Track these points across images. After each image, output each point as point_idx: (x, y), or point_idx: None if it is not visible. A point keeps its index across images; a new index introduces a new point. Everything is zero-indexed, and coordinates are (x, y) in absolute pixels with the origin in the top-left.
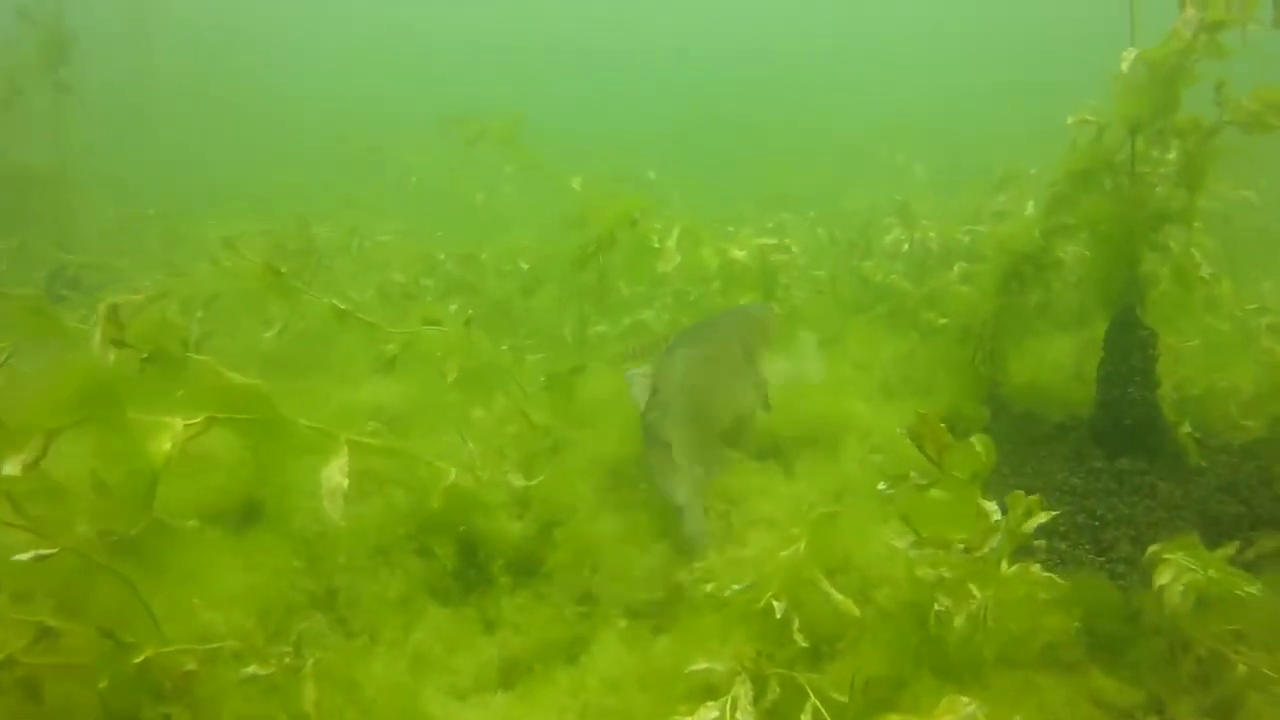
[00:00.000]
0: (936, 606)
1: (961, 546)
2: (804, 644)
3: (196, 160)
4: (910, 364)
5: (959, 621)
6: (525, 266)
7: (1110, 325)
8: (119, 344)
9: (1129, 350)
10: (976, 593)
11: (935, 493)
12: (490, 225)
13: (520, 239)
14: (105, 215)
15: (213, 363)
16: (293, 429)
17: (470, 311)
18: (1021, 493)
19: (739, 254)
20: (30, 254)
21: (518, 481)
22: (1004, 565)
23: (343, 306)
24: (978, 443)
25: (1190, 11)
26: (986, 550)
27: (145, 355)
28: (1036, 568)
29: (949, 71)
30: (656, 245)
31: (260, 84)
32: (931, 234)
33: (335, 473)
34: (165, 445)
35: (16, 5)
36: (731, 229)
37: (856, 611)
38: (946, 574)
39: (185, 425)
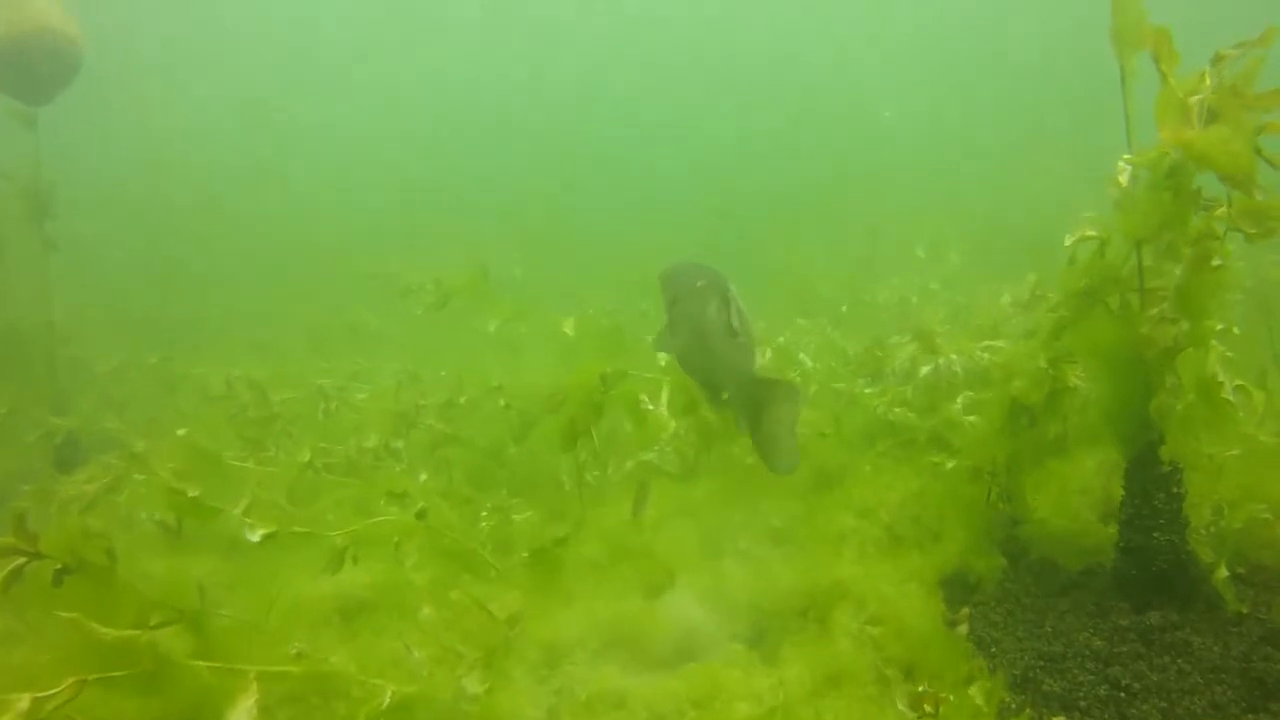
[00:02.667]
0: None
1: None
2: None
3: (198, 294)
4: (920, 504)
5: None
6: (512, 408)
7: (1129, 464)
8: (32, 556)
9: (1151, 490)
10: None
11: None
12: (503, 356)
13: (522, 373)
14: (101, 367)
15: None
16: (190, 674)
17: (434, 484)
18: None
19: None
20: (22, 418)
21: (470, 688)
22: None
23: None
24: (978, 694)
25: (1195, 98)
26: None
27: (60, 567)
28: None
29: (975, 126)
30: (649, 408)
31: (260, 205)
32: (952, 355)
33: (242, 716)
34: None
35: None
36: None
37: None
38: None
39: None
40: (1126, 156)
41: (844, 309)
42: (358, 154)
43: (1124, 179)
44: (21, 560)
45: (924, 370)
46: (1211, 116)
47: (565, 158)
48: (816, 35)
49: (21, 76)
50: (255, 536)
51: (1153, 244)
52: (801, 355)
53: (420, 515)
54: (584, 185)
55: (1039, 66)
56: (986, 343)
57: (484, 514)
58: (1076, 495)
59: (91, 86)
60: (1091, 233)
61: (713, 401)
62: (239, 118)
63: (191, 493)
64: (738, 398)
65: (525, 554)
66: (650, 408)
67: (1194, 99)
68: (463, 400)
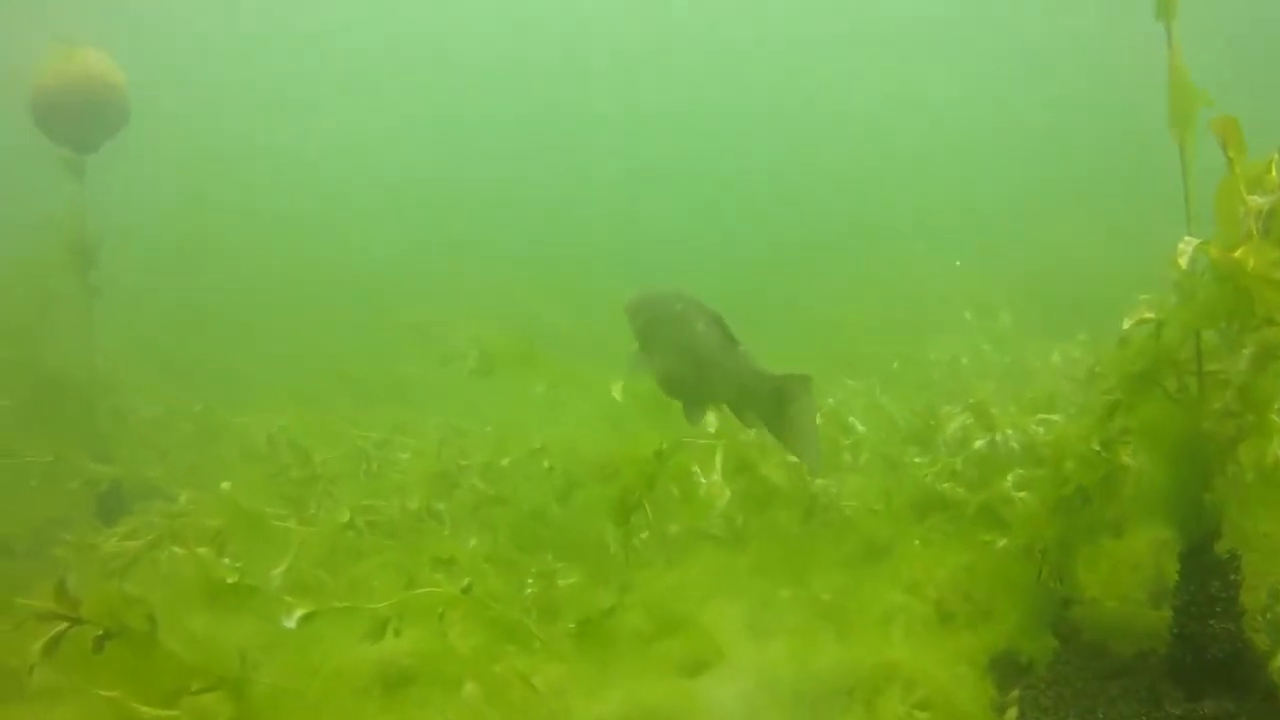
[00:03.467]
0: None
1: None
2: None
3: (240, 341)
4: (970, 580)
5: None
6: (556, 470)
7: (1185, 549)
8: (73, 621)
9: (1207, 576)
10: None
11: None
12: (547, 414)
13: (566, 431)
14: (144, 415)
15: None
16: None
17: (484, 548)
18: None
19: (773, 474)
20: (65, 465)
21: None
22: None
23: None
24: None
25: (1256, 199)
26: None
27: (101, 633)
28: None
29: (1017, 180)
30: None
31: (303, 251)
32: (1008, 430)
33: None
34: None
35: (46, 212)
36: None
37: None
38: None
39: None
40: (1188, 239)
41: (893, 369)
42: (404, 196)
43: (1184, 262)
44: (63, 626)
45: (978, 444)
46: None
47: (608, 201)
48: (847, 79)
49: (69, 125)
50: (291, 622)
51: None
52: (851, 419)
53: (466, 590)
54: (623, 229)
55: (1084, 125)
56: (1041, 416)
57: (529, 580)
58: (1127, 573)
59: (137, 135)
60: (1149, 315)
61: (693, 419)
62: (282, 164)
63: (231, 561)
64: (755, 403)
65: (570, 624)
66: (702, 479)
67: (1256, 200)
68: (505, 462)
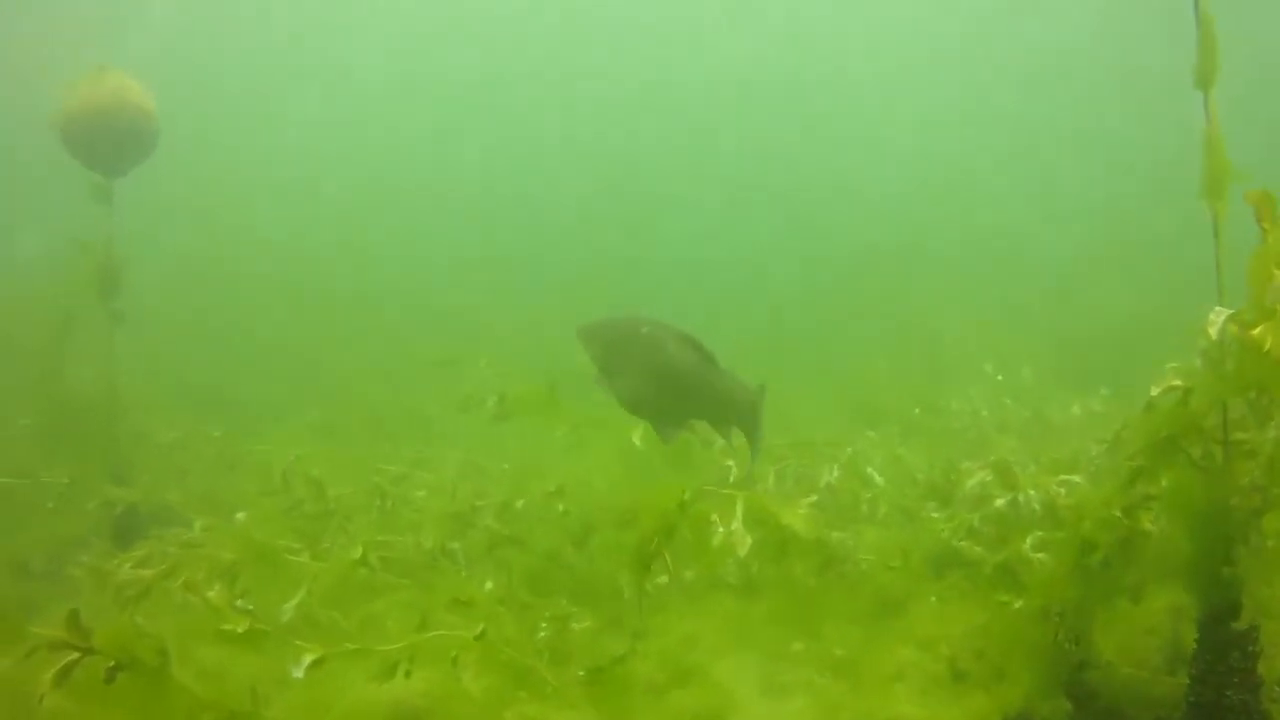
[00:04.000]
0: None
1: None
2: None
3: (259, 369)
4: (984, 639)
5: None
6: (571, 514)
7: (1203, 618)
8: (85, 651)
9: (1225, 647)
10: None
11: None
12: (565, 455)
13: (583, 472)
14: (163, 439)
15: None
16: None
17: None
18: None
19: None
20: (81, 489)
21: None
22: None
23: None
24: None
25: None
26: None
27: (112, 665)
28: None
29: (1057, 224)
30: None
31: (325, 280)
32: (1030, 491)
33: None
34: None
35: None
36: (806, 465)
37: None
38: None
39: None
40: (1218, 310)
41: (912, 419)
42: (433, 218)
43: (1213, 332)
44: (75, 655)
45: (999, 502)
46: None
47: (626, 229)
48: (875, 130)
49: (97, 149)
50: (299, 671)
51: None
52: (870, 470)
53: (481, 635)
54: (643, 263)
55: (1122, 187)
56: (1063, 477)
57: (543, 624)
58: (1143, 636)
59: (164, 160)
60: (1177, 383)
61: (667, 437)
62: (303, 190)
63: (243, 600)
64: (733, 413)
65: (582, 671)
66: (721, 527)
67: None
68: (521, 504)
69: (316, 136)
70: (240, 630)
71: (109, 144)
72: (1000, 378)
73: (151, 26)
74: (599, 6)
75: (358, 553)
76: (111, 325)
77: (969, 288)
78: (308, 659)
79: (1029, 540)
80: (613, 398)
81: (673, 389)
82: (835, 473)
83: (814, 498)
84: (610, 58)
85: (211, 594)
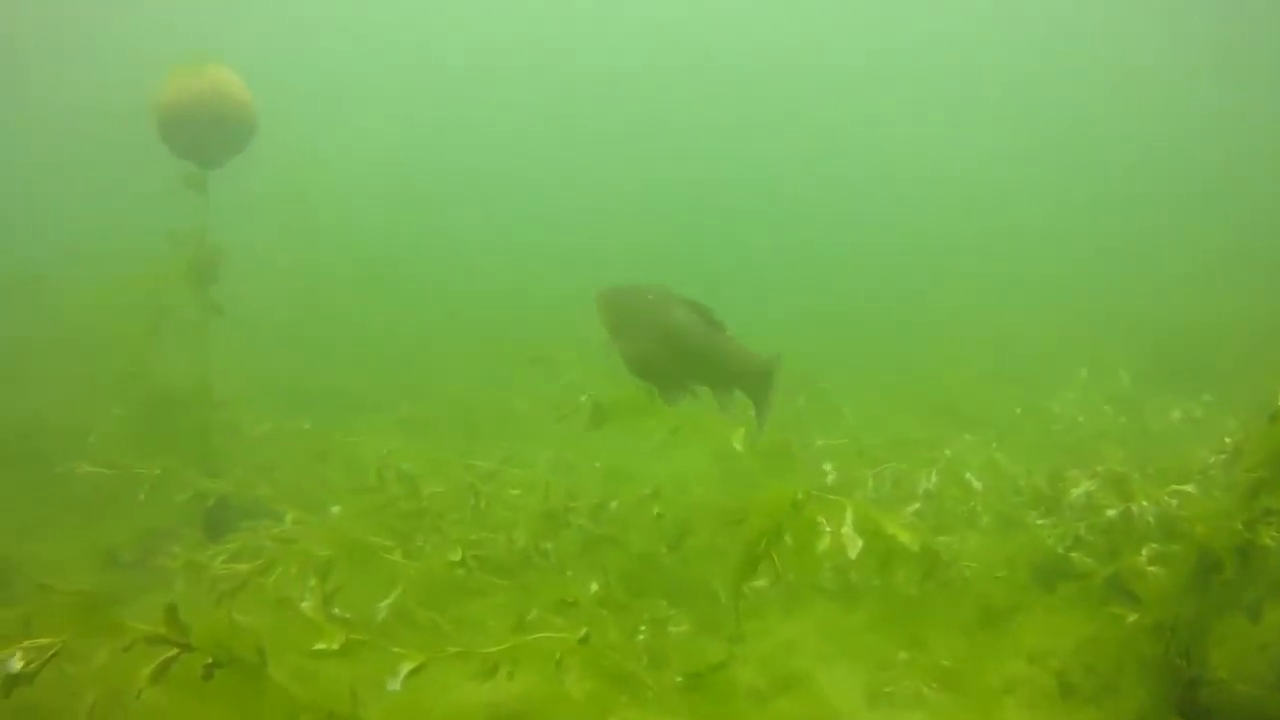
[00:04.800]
0: None
1: None
2: None
3: (349, 361)
4: (1096, 652)
5: None
6: (666, 516)
7: None
8: (183, 648)
9: None
10: None
11: None
12: (659, 455)
13: (676, 470)
14: (253, 432)
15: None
16: None
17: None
18: None
19: (901, 534)
20: (172, 480)
21: None
22: None
23: None
24: None
25: None
26: None
27: (210, 662)
28: None
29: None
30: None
31: (417, 270)
32: (1143, 502)
33: None
34: None
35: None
36: (904, 469)
37: None
38: None
39: None
40: None
41: (1007, 426)
42: (532, 213)
43: None
44: (173, 652)
45: (1110, 512)
46: None
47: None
48: (964, 132)
49: (194, 140)
50: (396, 683)
51: None
52: (968, 475)
53: (585, 639)
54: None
55: (1224, 187)
56: (1174, 487)
57: (641, 626)
58: (1257, 653)
59: (257, 151)
60: None
61: (670, 400)
62: (395, 182)
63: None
64: (742, 380)
65: (681, 677)
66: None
67: None
68: (615, 504)
69: (405, 128)
70: (335, 646)
71: (206, 136)
72: (1091, 379)
73: (244, 18)
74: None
75: (456, 555)
76: (205, 317)
77: (1032, 283)
78: (406, 667)
79: (1144, 552)
80: (621, 359)
81: (676, 351)
82: (934, 478)
83: (916, 506)
84: (691, 57)
85: (306, 604)
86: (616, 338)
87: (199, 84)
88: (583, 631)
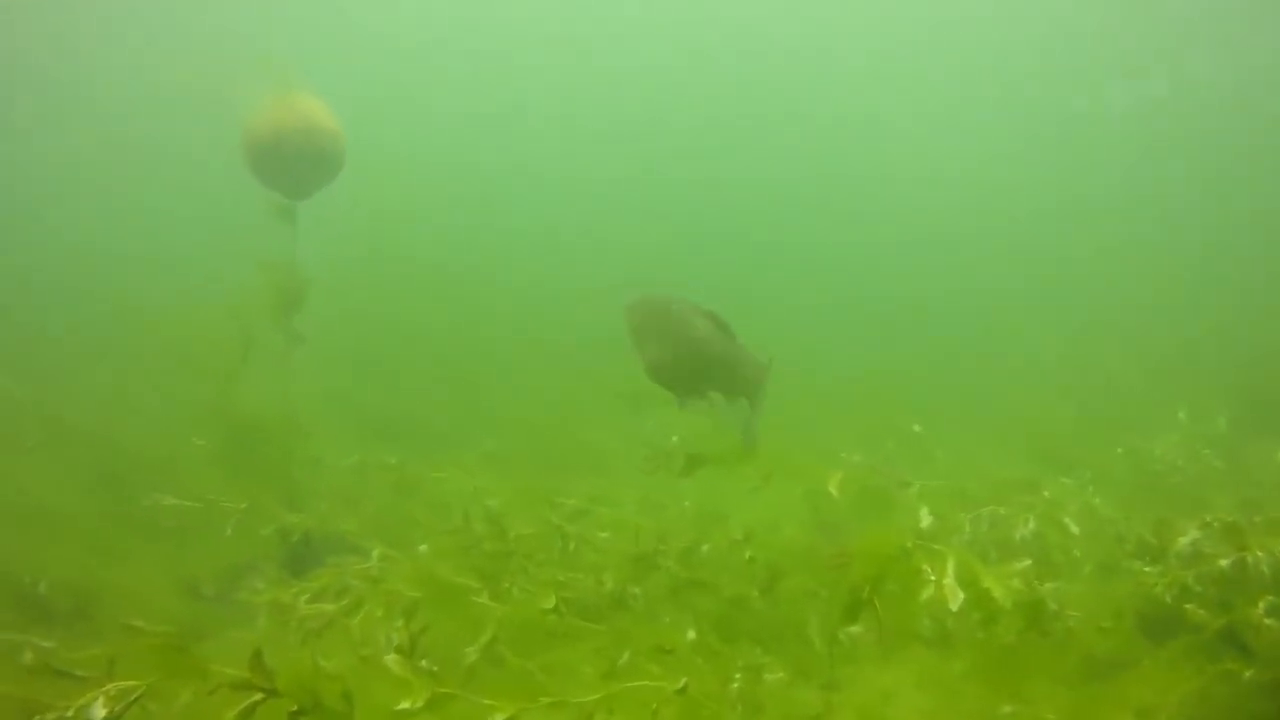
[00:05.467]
0: None
1: None
2: None
3: (438, 395)
4: (1206, 708)
5: None
6: (758, 560)
7: None
8: (268, 693)
9: None
10: None
11: None
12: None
13: (766, 512)
14: (338, 464)
15: None
16: None
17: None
18: None
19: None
20: (258, 514)
21: None
22: None
23: None
24: None
25: None
26: None
27: (296, 709)
28: None
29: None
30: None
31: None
32: (1258, 552)
33: None
34: None
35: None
36: (1001, 512)
37: None
38: None
39: None
40: None
41: (1103, 469)
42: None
43: None
44: (258, 697)
45: (1223, 562)
46: None
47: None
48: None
49: (284, 171)
50: None
51: None
52: (1067, 520)
53: (683, 690)
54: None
55: None
56: None
57: (736, 674)
58: None
59: (344, 180)
60: None
61: (684, 405)
62: (479, 213)
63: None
64: (743, 383)
65: None
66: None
67: None
68: (706, 548)
69: (490, 159)
70: (421, 703)
71: (295, 166)
72: (1190, 421)
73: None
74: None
75: (550, 601)
76: (290, 347)
77: (1111, 314)
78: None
79: (1261, 605)
80: (642, 365)
81: (692, 358)
82: (1031, 523)
83: (1028, 563)
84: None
85: (392, 656)
86: (638, 345)
87: (291, 116)
88: (682, 681)
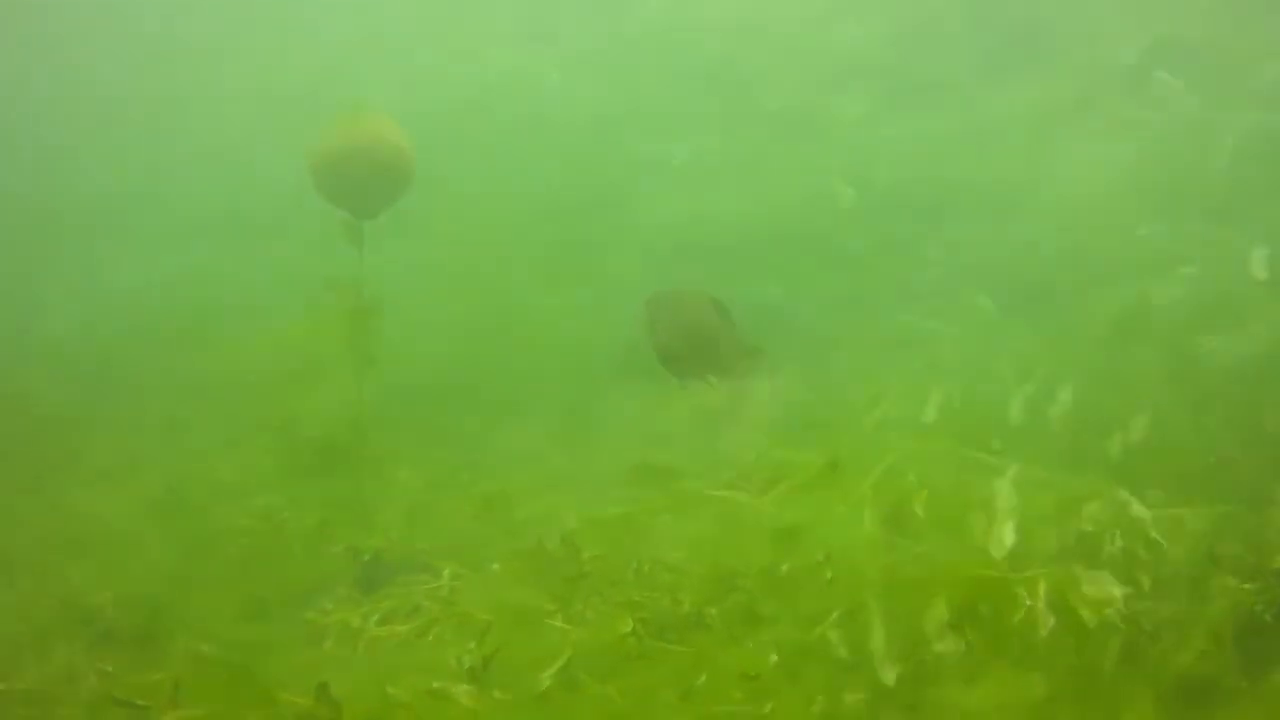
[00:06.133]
0: None
1: None
2: None
3: (504, 413)
4: None
5: None
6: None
7: None
8: None
9: None
10: None
11: None
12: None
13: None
14: (410, 483)
15: None
16: None
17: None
18: None
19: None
20: (329, 534)
21: None
22: None
23: None
24: None
25: None
26: None
27: None
28: None
29: None
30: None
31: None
32: None
33: None
34: None
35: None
36: (1087, 529)
37: None
38: None
39: None
40: None
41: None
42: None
43: None
44: None
45: None
46: None
47: None
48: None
49: (352, 189)
50: None
51: None
52: (1154, 534)
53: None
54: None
55: None
56: None
57: (818, 695)
58: None
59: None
60: None
61: (688, 386)
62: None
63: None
64: (735, 370)
65: None
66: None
67: None
68: (785, 568)
69: (549, 173)
70: None
71: (365, 185)
72: None
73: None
74: None
75: (628, 625)
76: (361, 368)
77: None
78: None
79: None
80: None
81: (701, 345)
82: (1119, 539)
83: (1128, 590)
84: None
85: (463, 689)
86: (651, 334)
87: (360, 132)
88: (768, 707)
